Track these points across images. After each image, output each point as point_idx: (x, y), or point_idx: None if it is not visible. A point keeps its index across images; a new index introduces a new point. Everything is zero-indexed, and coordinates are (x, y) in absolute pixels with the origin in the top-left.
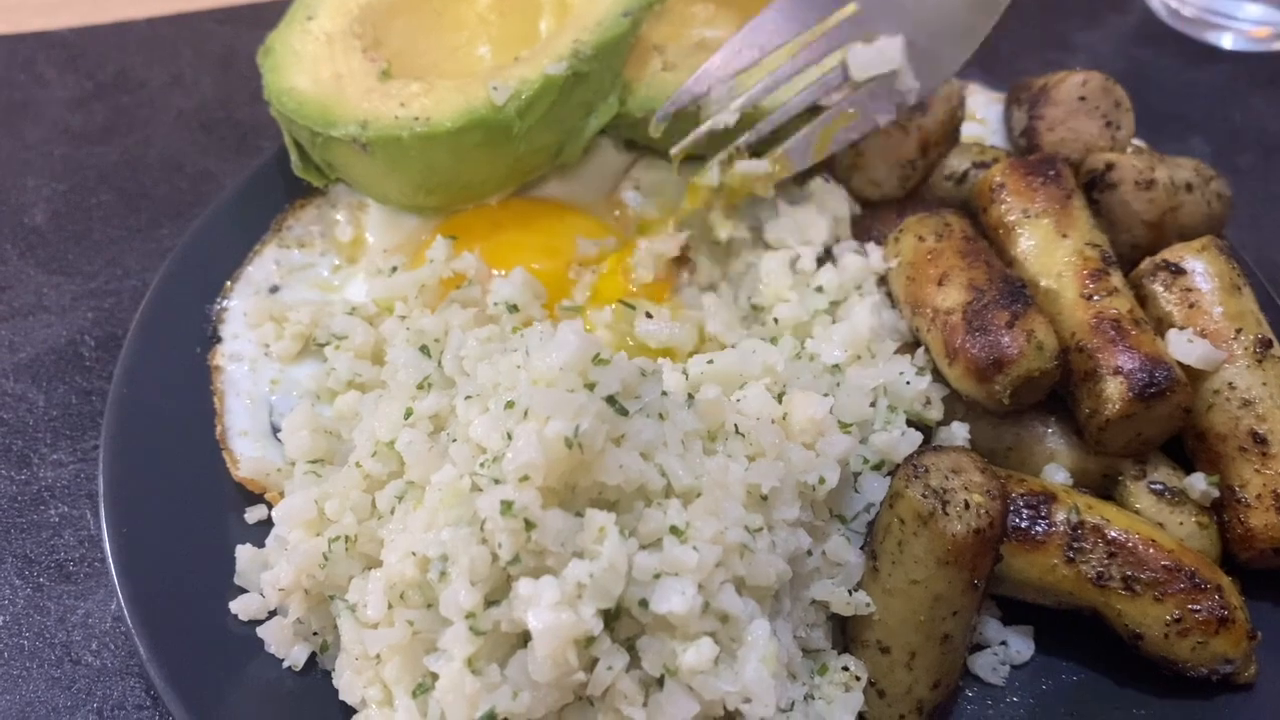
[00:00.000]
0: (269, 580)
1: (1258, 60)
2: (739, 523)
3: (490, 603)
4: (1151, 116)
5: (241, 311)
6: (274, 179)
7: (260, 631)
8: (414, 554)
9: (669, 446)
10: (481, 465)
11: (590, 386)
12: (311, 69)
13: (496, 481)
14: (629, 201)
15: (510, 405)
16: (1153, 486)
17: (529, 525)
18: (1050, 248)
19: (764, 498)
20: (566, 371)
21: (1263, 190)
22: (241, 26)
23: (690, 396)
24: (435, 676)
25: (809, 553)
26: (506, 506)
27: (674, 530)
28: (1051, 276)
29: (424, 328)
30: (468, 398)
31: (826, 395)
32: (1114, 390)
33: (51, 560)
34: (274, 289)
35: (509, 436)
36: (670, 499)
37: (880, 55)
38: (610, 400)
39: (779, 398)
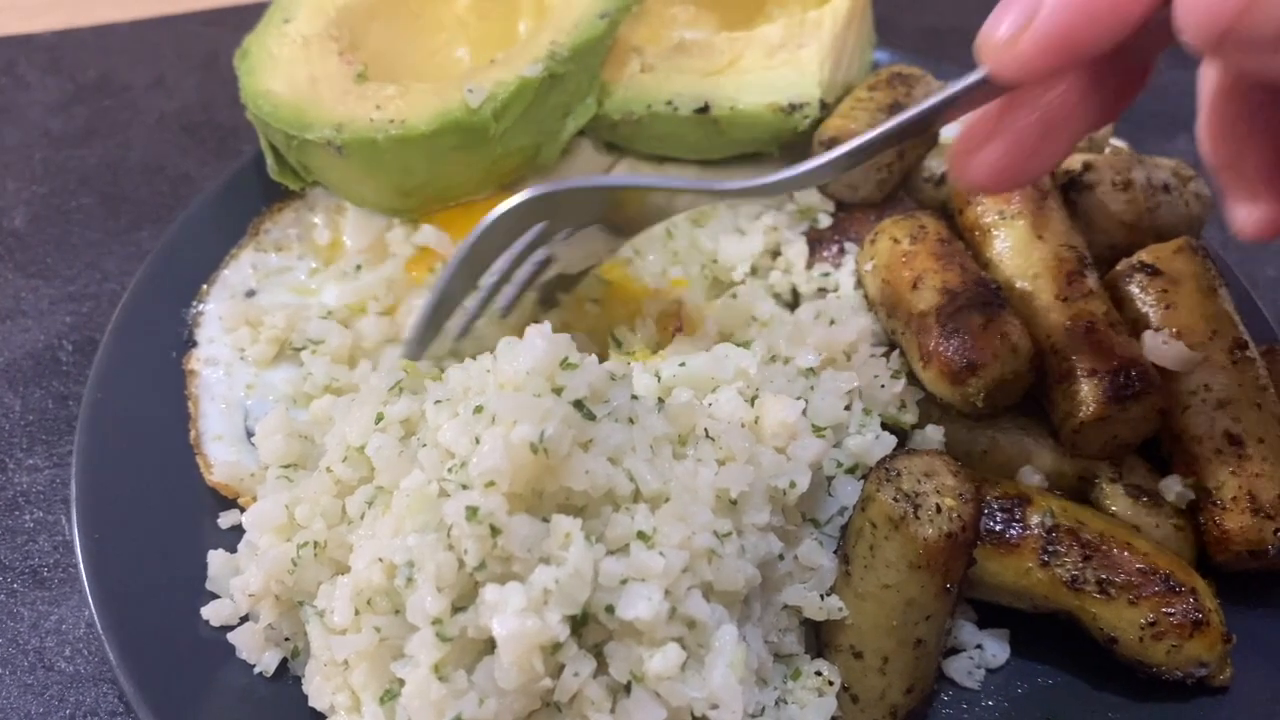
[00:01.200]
0: (239, 586)
1: None
2: (707, 528)
3: (457, 609)
4: (1136, 115)
5: (217, 315)
6: (252, 182)
7: (231, 637)
8: (381, 560)
9: (637, 451)
10: (449, 471)
11: (558, 391)
12: (287, 72)
13: (464, 487)
14: None
15: (479, 410)
16: (1128, 489)
17: (494, 531)
18: (1026, 249)
19: (733, 502)
20: (533, 375)
21: None
22: (225, 29)
23: (661, 400)
24: (402, 683)
25: (780, 557)
26: (472, 512)
27: (641, 536)
28: (1027, 278)
29: None
30: (437, 402)
31: (800, 399)
32: (1089, 393)
33: (25, 566)
34: (250, 293)
35: (477, 441)
36: (638, 504)
37: None
38: (578, 404)
39: (751, 401)
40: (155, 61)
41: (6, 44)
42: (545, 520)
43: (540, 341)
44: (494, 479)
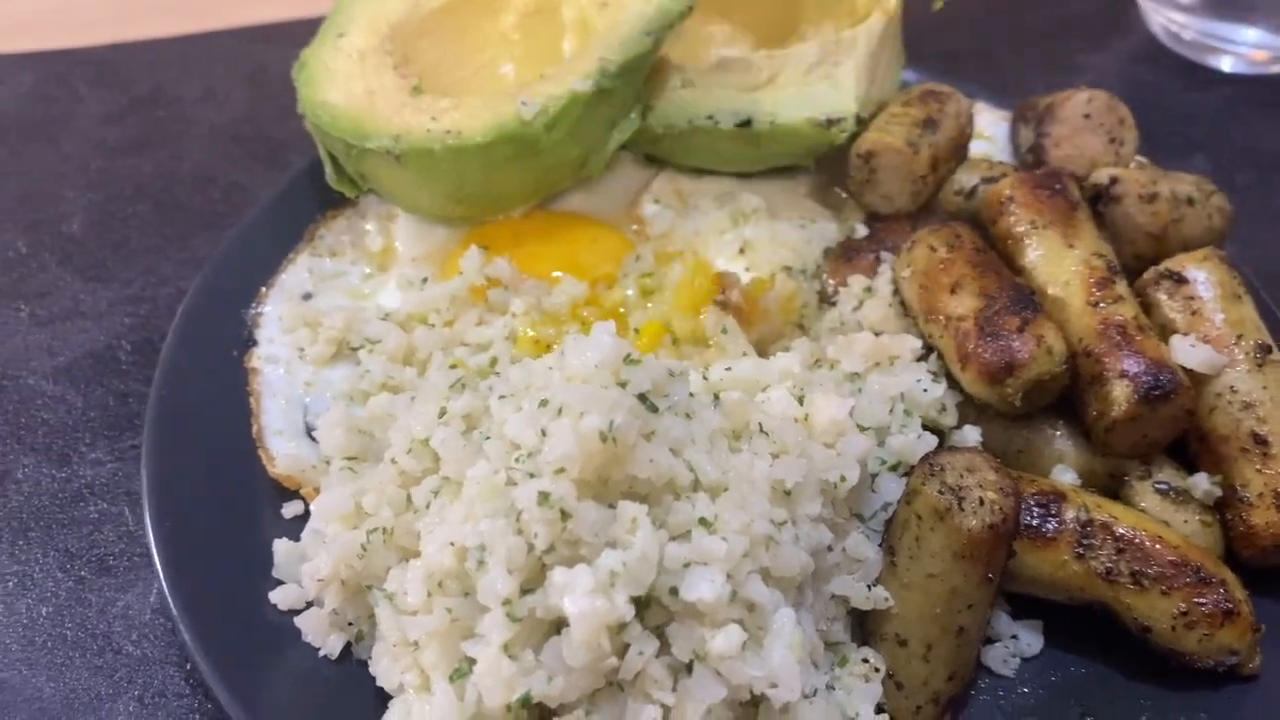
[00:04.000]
0: (308, 571)
1: (1256, 83)
2: (764, 516)
3: (525, 591)
4: (1153, 136)
5: (276, 316)
6: (305, 191)
7: (298, 621)
8: (452, 544)
9: (696, 443)
10: (516, 460)
11: (622, 385)
12: (345, 84)
13: (531, 475)
14: (648, 215)
15: (544, 404)
16: (1158, 486)
17: (564, 515)
18: (1058, 257)
19: (787, 493)
20: (601, 369)
21: (1261, 208)
22: (270, 45)
23: (715, 397)
24: (472, 661)
25: (829, 548)
26: (544, 497)
27: (703, 522)
28: (1059, 285)
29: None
30: (501, 397)
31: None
32: (1120, 393)
33: (92, 555)
34: (307, 296)
35: (543, 433)
36: (698, 493)
37: None
38: (641, 398)
39: (800, 400)
40: (204, 75)
41: (59, 57)
42: (611, 507)
43: (607, 338)
44: (564, 465)
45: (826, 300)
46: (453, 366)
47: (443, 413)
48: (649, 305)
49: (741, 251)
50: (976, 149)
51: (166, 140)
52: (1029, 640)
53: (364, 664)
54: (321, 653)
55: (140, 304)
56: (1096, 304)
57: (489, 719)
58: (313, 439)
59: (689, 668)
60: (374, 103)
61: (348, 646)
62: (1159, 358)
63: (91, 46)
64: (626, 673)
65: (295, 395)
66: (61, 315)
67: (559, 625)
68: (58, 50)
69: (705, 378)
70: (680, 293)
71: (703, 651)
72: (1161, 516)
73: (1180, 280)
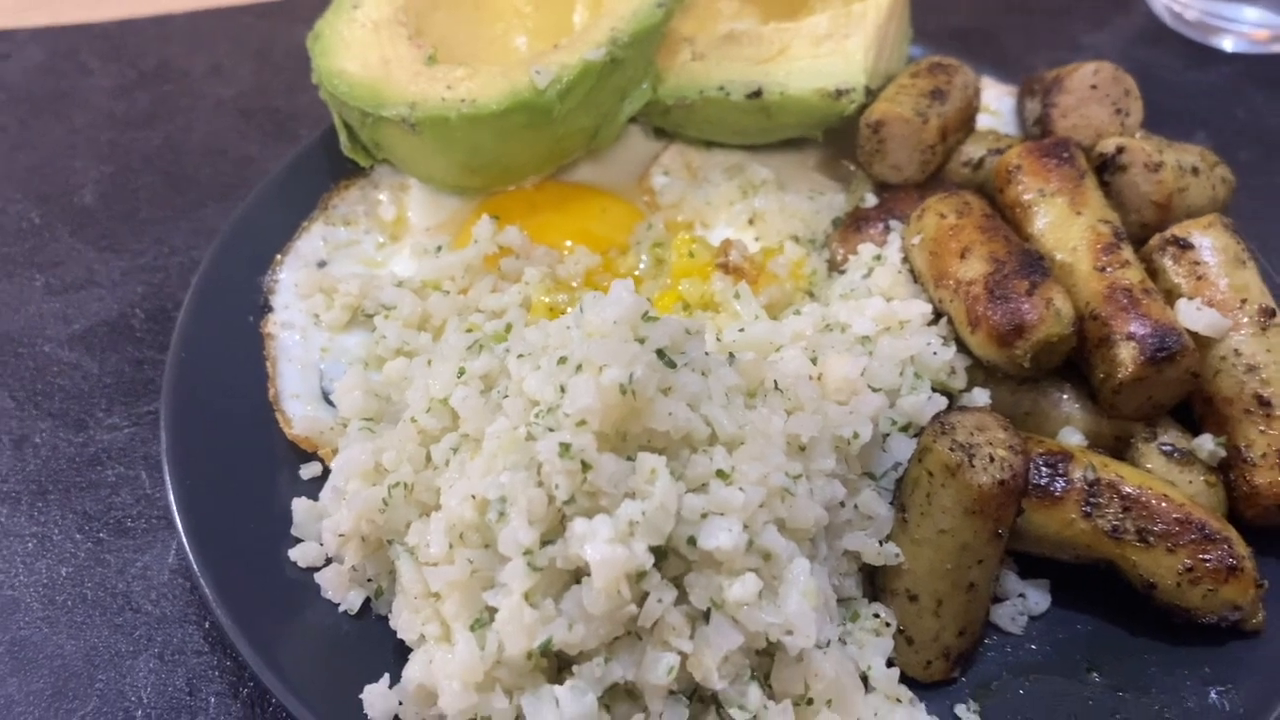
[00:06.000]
0: (329, 526)
1: (1258, 61)
2: (780, 469)
3: (546, 542)
4: (1156, 114)
5: (292, 283)
6: (318, 161)
7: (317, 578)
8: (473, 497)
9: (713, 399)
10: (536, 416)
11: (640, 341)
12: (360, 54)
13: (551, 430)
14: (658, 186)
15: (563, 360)
16: (1163, 448)
17: (585, 467)
18: (1065, 224)
19: (802, 448)
20: (620, 325)
21: (1264, 184)
22: (277, 20)
23: (730, 356)
24: (493, 611)
25: (842, 505)
26: (565, 449)
27: (720, 474)
28: (1066, 251)
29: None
30: (519, 356)
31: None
32: (1126, 355)
33: (110, 517)
34: (321, 263)
35: (562, 390)
36: (715, 446)
37: None
38: (659, 353)
39: (813, 361)
40: (212, 50)
41: (69, 32)
42: (630, 459)
43: (626, 295)
44: (585, 418)
45: (836, 269)
46: (468, 331)
47: (461, 372)
48: (661, 274)
49: (751, 222)
50: (983, 123)
51: (175, 114)
52: (1037, 599)
53: (383, 619)
54: (341, 608)
55: (153, 273)
56: (1103, 269)
57: (510, 667)
58: (329, 403)
59: (706, 616)
60: (390, 72)
61: (366, 602)
62: (1165, 320)
63: (101, 22)
64: (645, 620)
65: (311, 360)
66: (75, 284)
67: (579, 575)
68: (68, 25)
69: (719, 339)
70: (678, 269)
71: (720, 599)
72: (1167, 477)
73: (1186, 246)
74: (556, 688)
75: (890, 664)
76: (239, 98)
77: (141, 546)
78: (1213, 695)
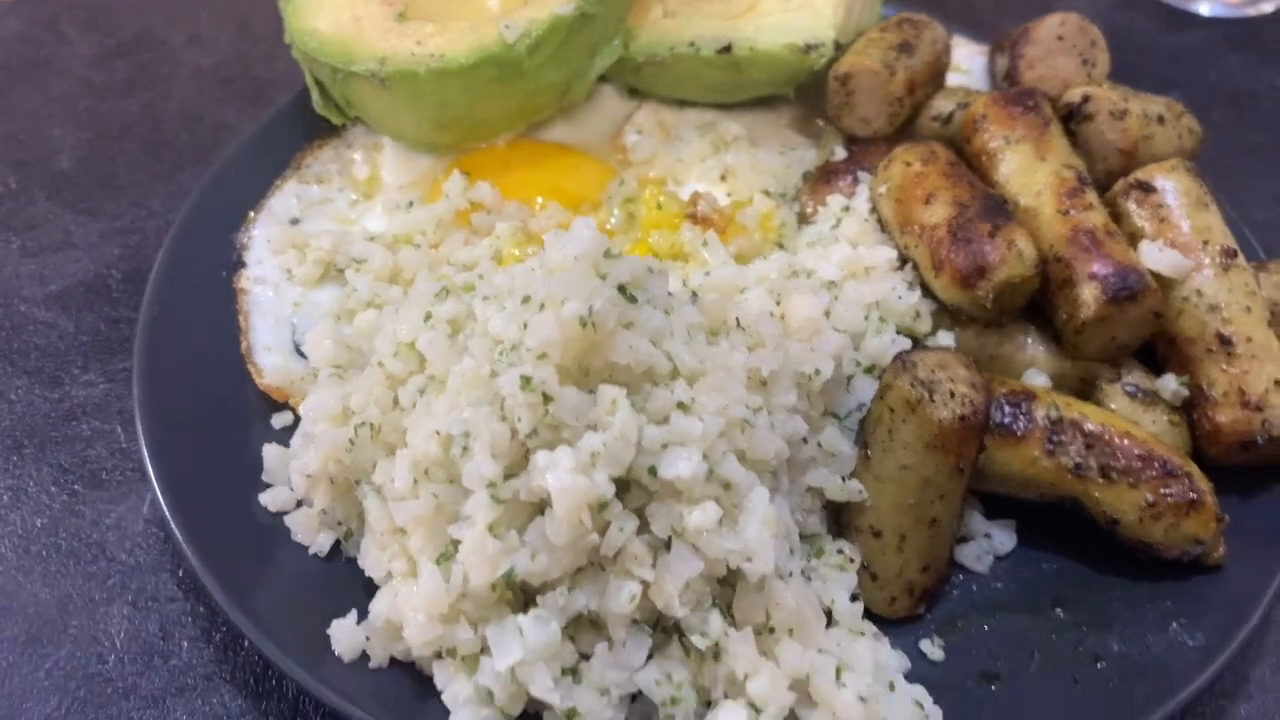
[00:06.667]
0: (297, 468)
1: (1234, 25)
2: (740, 401)
3: (509, 475)
4: (1130, 76)
5: (265, 239)
6: (293, 121)
7: (287, 521)
8: (438, 433)
9: (675, 335)
10: (500, 354)
11: (602, 277)
12: (331, 12)
13: (514, 367)
14: (630, 144)
15: (526, 300)
16: (1127, 388)
17: (546, 399)
18: (1030, 169)
19: (764, 383)
20: (581, 260)
21: (1236, 141)
22: None
23: (694, 294)
24: (458, 544)
25: (805, 441)
26: (526, 381)
27: (680, 405)
28: (1031, 195)
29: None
30: (485, 298)
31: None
32: (1089, 294)
33: (85, 470)
34: (295, 220)
35: (525, 327)
36: (676, 380)
37: None
38: (621, 289)
39: (777, 301)
40: (191, 20)
41: (47, 2)
42: (591, 393)
43: (586, 232)
44: (546, 350)
45: (806, 221)
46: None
47: (428, 317)
48: (633, 228)
49: (723, 178)
50: (954, 81)
51: (154, 82)
52: (1002, 538)
53: (353, 561)
54: (311, 551)
55: (130, 235)
56: (1067, 212)
57: (474, 599)
58: (301, 355)
59: (668, 544)
60: (360, 29)
61: (337, 545)
62: (1127, 261)
63: None
64: (608, 550)
65: (284, 315)
66: (52, 246)
67: (542, 508)
68: None
69: (685, 283)
70: (648, 221)
71: (680, 527)
72: (1131, 418)
73: (1149, 189)
74: (520, 617)
75: (855, 599)
76: (218, 66)
77: (116, 498)
78: (1174, 628)
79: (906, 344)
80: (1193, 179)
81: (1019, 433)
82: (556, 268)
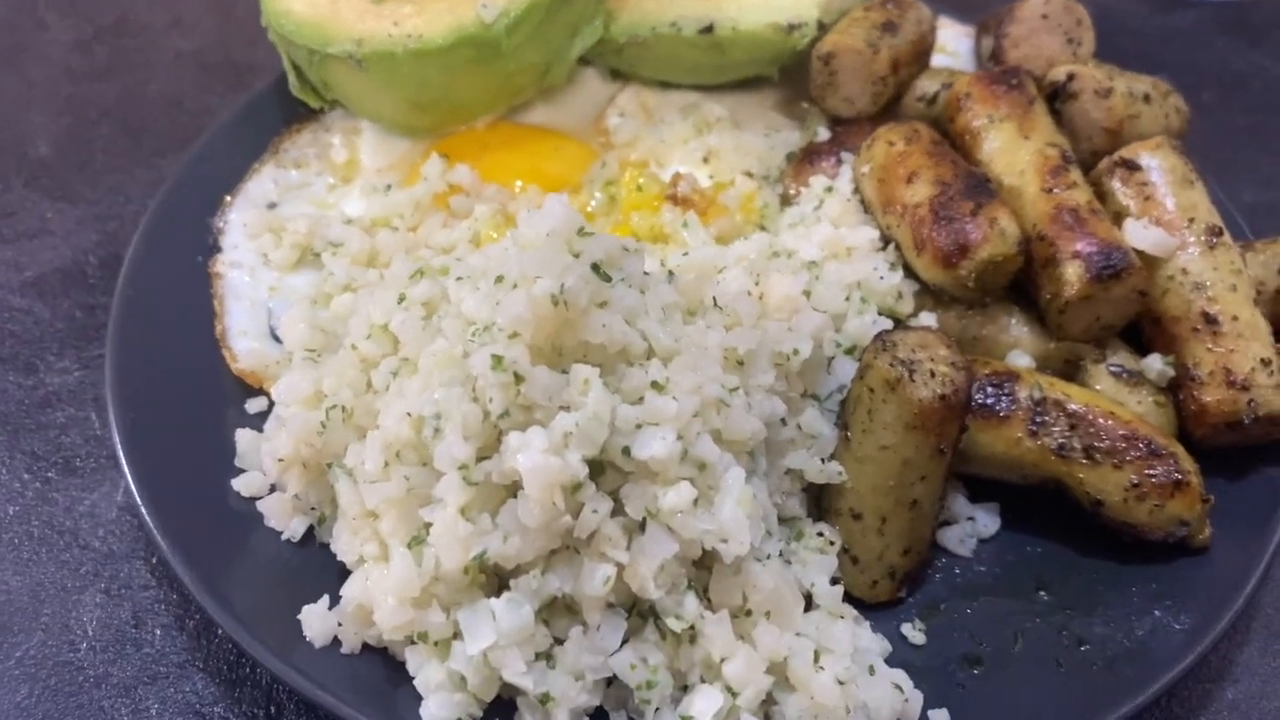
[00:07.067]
0: (269, 451)
1: (1223, 7)
2: (716, 380)
3: (481, 458)
4: (1117, 57)
5: (241, 224)
6: (270, 105)
7: (260, 506)
8: (409, 415)
9: (650, 314)
10: (472, 335)
11: (576, 255)
12: None
13: (485, 347)
14: (612, 126)
15: (500, 280)
16: (1112, 369)
17: (518, 379)
18: (1013, 148)
19: (740, 362)
20: (553, 237)
21: (1225, 123)
22: None
23: (670, 274)
24: (429, 527)
25: (784, 422)
26: (497, 361)
27: (655, 385)
28: (1014, 174)
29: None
30: (459, 279)
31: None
32: (1073, 273)
33: (59, 457)
34: (272, 205)
35: (497, 305)
36: (651, 360)
37: None
38: (594, 267)
39: (756, 281)
40: (171, 5)
41: None
42: (564, 372)
43: (559, 208)
44: (517, 329)
45: (789, 203)
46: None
47: (402, 298)
48: (614, 211)
49: (705, 160)
50: (939, 63)
51: (134, 67)
52: (986, 522)
53: (326, 547)
54: (284, 536)
55: (107, 221)
56: (1050, 190)
57: (447, 582)
58: (276, 340)
59: (642, 526)
60: (337, 9)
61: (310, 531)
62: (1111, 239)
63: None
64: (581, 532)
65: (259, 299)
66: (28, 233)
67: (514, 490)
68: None
69: (663, 263)
70: (628, 203)
71: (655, 508)
72: (1116, 398)
73: (1133, 167)
74: (493, 601)
75: (835, 582)
76: (199, 51)
77: (90, 485)
78: (1158, 612)
79: (888, 325)
80: (1178, 156)
81: (1002, 413)
82: (529, 245)
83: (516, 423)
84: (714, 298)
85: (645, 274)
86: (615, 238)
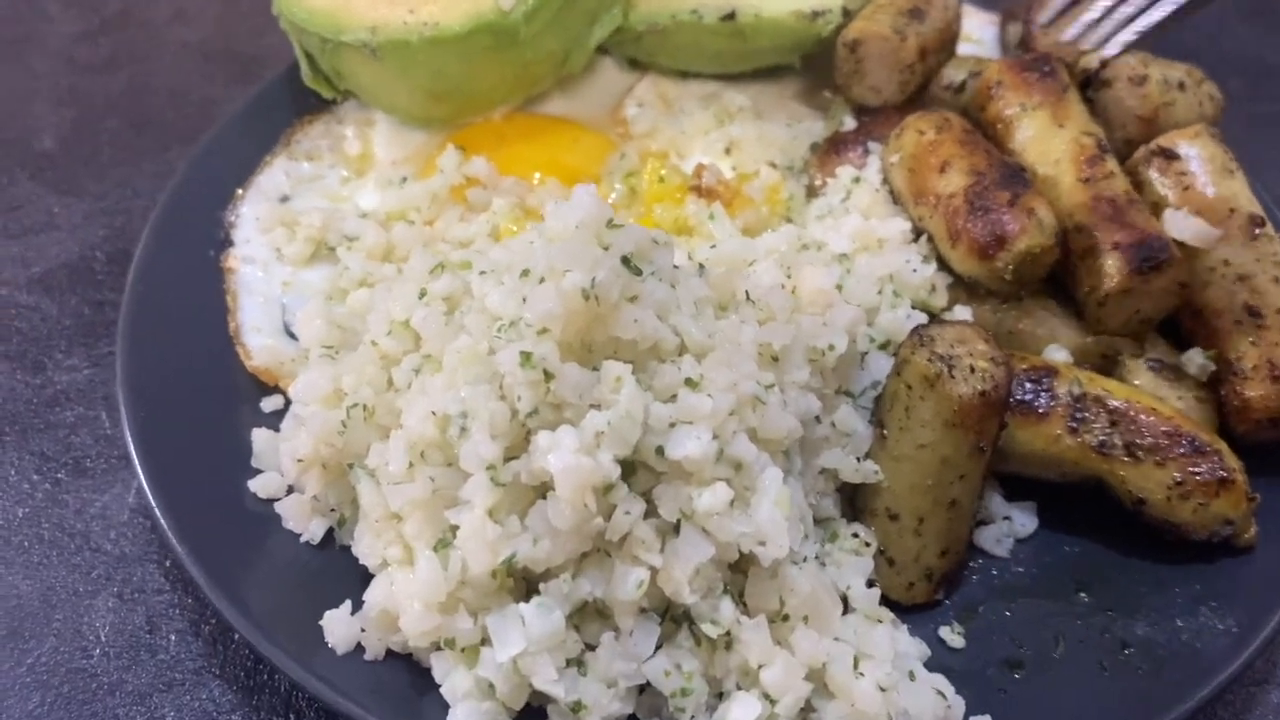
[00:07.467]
0: (288, 452)
1: None
2: (751, 377)
3: (509, 457)
4: (1143, 45)
5: (253, 217)
6: (282, 97)
7: (278, 508)
8: (434, 414)
9: (682, 309)
10: (498, 331)
11: (605, 248)
12: None
13: (513, 343)
14: (630, 116)
15: (526, 274)
16: (1150, 364)
17: (548, 376)
18: (1048, 137)
19: (775, 358)
20: (582, 229)
21: (1250, 111)
22: None
23: (701, 267)
24: (456, 530)
25: (818, 420)
26: (526, 358)
27: (688, 382)
28: (1049, 164)
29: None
30: (482, 273)
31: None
32: (1112, 265)
33: (69, 457)
34: (284, 198)
35: (524, 301)
36: (684, 356)
37: None
38: (624, 260)
39: (788, 274)
40: None
41: None
42: (595, 370)
43: (588, 199)
44: (547, 325)
45: (814, 194)
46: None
47: (423, 294)
48: (635, 203)
49: (727, 151)
50: (965, 51)
51: (138, 59)
52: (1023, 521)
53: (347, 550)
54: (303, 539)
55: (115, 216)
56: (1087, 180)
57: (474, 587)
58: (291, 336)
59: (676, 528)
60: None
61: (330, 533)
62: (1151, 229)
63: None
64: (613, 535)
65: (273, 294)
66: (35, 228)
67: (544, 491)
68: None
69: (691, 257)
70: (651, 195)
71: (690, 510)
72: (1156, 394)
73: (1171, 156)
74: (522, 606)
75: (871, 585)
76: (204, 42)
77: (101, 486)
78: (1204, 613)
79: (922, 319)
80: (1217, 145)
81: (1041, 410)
82: (557, 238)
83: (546, 421)
84: (746, 292)
85: (675, 267)
86: (645, 229)
